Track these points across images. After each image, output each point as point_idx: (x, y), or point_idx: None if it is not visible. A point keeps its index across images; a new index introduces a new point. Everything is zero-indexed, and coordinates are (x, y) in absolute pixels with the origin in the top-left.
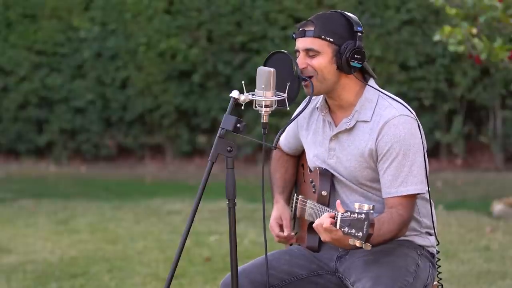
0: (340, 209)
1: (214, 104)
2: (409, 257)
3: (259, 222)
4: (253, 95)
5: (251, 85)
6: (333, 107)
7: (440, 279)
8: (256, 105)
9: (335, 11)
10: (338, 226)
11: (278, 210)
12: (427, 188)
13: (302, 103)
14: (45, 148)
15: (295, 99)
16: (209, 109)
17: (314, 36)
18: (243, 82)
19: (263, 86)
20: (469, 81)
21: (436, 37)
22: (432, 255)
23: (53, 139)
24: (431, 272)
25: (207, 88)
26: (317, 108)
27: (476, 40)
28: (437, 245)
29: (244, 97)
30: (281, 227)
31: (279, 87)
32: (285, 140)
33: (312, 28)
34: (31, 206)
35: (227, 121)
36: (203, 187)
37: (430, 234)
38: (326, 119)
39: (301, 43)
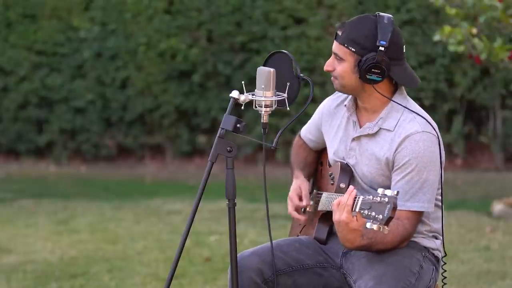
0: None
1: (214, 104)
2: (413, 258)
3: (259, 222)
4: (253, 95)
5: (251, 85)
6: (361, 108)
7: (445, 283)
8: (256, 105)
9: (373, 15)
10: (358, 209)
11: (297, 183)
12: (433, 207)
13: (334, 94)
14: (45, 148)
15: (295, 99)
16: (209, 109)
17: (339, 43)
18: (243, 82)
19: (263, 86)
20: (469, 81)
21: (436, 37)
22: (437, 258)
23: (53, 139)
24: (434, 275)
25: (207, 88)
26: (345, 105)
27: (476, 40)
28: (443, 257)
29: (244, 97)
30: (300, 198)
31: (279, 87)
32: (307, 131)
33: (340, 34)
34: (31, 206)
35: (227, 121)
36: (203, 187)
37: (437, 238)
38: (351, 118)
39: (333, 45)
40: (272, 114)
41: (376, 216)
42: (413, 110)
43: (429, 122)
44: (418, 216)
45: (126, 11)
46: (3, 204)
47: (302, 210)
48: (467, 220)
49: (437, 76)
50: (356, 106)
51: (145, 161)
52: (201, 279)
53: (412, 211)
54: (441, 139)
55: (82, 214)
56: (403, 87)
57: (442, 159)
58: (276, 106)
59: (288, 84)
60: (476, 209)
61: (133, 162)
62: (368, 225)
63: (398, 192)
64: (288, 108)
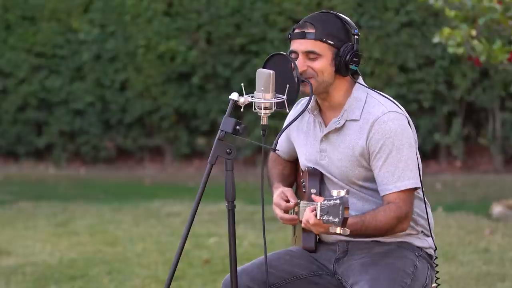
0: (318, 199)
1: (214, 106)
2: (407, 259)
3: (258, 224)
4: (252, 97)
5: (251, 87)
6: (324, 108)
7: (438, 279)
8: (256, 107)
9: (329, 12)
10: (318, 216)
11: (279, 190)
12: (419, 182)
13: (295, 105)
14: (45, 150)
15: (294, 101)
16: (209, 111)
17: (316, 39)
18: (242, 84)
19: (262, 88)
20: (468, 83)
21: (436, 39)
22: (430, 256)
23: (53, 141)
24: (430, 274)
25: (207, 90)
26: (308, 109)
27: (475, 42)
28: (434, 250)
29: (243, 99)
30: (286, 201)
31: (278, 89)
32: (279, 145)
33: (313, 31)
34: (30, 208)
35: (227, 123)
36: (203, 189)
37: (427, 235)
38: (316, 120)
39: (301, 45)
40: (271, 116)
41: (333, 220)
42: (378, 92)
43: (394, 103)
44: (410, 194)
45: (125, 13)
46: (2, 206)
47: (291, 212)
48: (466, 222)
49: (437, 78)
50: (319, 108)
51: (144, 163)
52: (200, 281)
53: (404, 190)
54: (410, 119)
55: (82, 216)
56: (360, 78)
57: (415, 139)
58: (275, 108)
59: (287, 86)
60: (476, 211)
61: (132, 164)
62: (331, 229)
63: (348, 190)
64: (287, 110)
